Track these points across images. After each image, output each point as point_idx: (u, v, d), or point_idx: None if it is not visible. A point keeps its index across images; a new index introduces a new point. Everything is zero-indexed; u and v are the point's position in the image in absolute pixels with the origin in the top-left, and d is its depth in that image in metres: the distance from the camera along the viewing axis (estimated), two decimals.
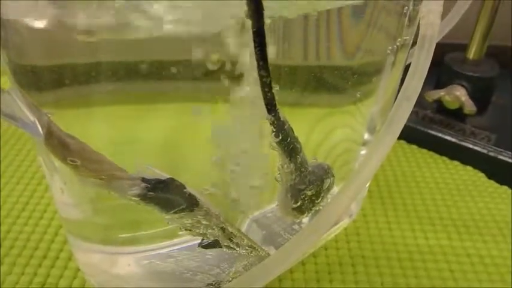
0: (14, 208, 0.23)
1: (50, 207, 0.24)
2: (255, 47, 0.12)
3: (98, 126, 0.15)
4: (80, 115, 0.15)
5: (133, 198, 0.15)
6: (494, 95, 0.30)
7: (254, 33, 0.11)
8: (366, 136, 0.23)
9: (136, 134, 0.16)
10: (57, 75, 0.14)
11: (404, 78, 0.16)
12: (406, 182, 0.26)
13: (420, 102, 0.30)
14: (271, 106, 0.13)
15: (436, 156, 0.29)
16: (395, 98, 0.16)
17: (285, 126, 0.14)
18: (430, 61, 0.17)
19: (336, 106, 0.21)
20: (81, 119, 0.15)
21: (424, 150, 0.29)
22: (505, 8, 0.31)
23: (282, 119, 0.14)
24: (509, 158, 0.26)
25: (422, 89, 0.16)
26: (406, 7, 0.19)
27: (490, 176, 0.27)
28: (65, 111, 0.15)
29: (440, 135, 0.28)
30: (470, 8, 0.29)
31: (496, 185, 0.27)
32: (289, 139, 0.15)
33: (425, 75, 0.17)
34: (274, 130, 0.14)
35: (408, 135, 0.29)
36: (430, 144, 0.29)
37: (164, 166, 0.16)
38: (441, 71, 0.30)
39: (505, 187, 0.27)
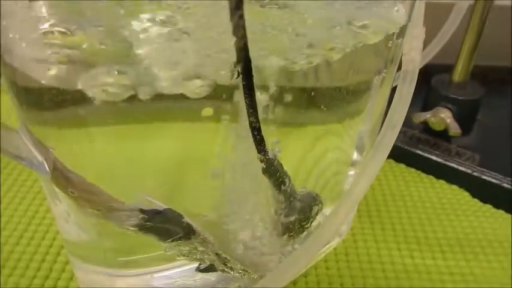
0: (17, 228, 0.24)
1: (52, 227, 0.25)
2: (245, 98, 0.13)
3: (98, 146, 0.16)
4: (81, 134, 0.16)
5: (131, 228, 0.16)
6: (479, 115, 0.31)
7: (244, 86, 0.12)
8: (355, 156, 0.24)
9: (137, 153, 0.17)
10: (58, 95, 0.14)
11: (393, 97, 0.17)
12: (394, 201, 0.28)
13: (408, 123, 0.31)
14: (260, 147, 0.15)
15: (423, 175, 0.30)
16: (384, 118, 0.17)
17: (274, 163, 0.16)
18: (412, 93, 0.18)
19: (324, 126, 0.22)
20: (82, 139, 0.16)
21: (412, 169, 0.30)
22: (490, 30, 0.33)
23: (271, 157, 0.15)
24: (492, 178, 0.28)
25: (410, 110, 0.17)
26: (391, 41, 0.20)
27: (474, 194, 0.28)
28: (67, 131, 0.16)
29: (426, 155, 0.30)
30: (456, 30, 0.30)
31: (480, 203, 0.28)
32: (278, 174, 0.16)
33: (408, 106, 0.18)
34: (264, 167, 0.15)
35: (396, 154, 0.31)
36: (418, 164, 0.30)
37: (163, 188, 0.17)
38: (428, 93, 0.31)
39: (488, 205, 0.28)
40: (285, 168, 0.17)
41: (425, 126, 0.30)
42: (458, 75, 0.31)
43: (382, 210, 0.27)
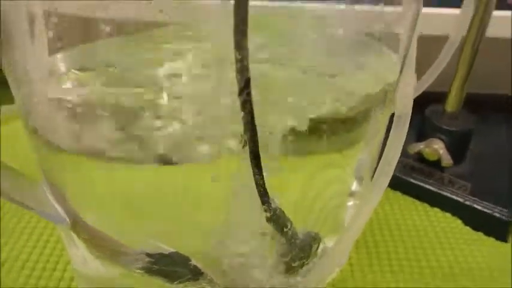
0: (29, 259, 0.26)
1: (62, 258, 0.26)
2: (251, 160, 0.14)
3: (108, 180, 0.17)
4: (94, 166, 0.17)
5: (138, 271, 0.18)
6: (472, 144, 0.33)
7: (250, 152, 0.14)
8: (354, 186, 0.25)
9: (141, 196, 0.18)
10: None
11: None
12: (390, 230, 0.29)
13: (404, 153, 0.33)
14: (264, 198, 0.16)
15: (418, 203, 0.31)
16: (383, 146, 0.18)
17: (277, 212, 0.17)
18: (405, 135, 0.20)
19: (324, 155, 0.23)
20: (96, 170, 0.17)
21: (407, 197, 0.32)
22: (482, 60, 0.34)
23: (274, 206, 0.16)
24: (483, 207, 0.29)
25: (406, 140, 0.19)
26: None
27: (466, 222, 0.30)
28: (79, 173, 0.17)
29: (421, 184, 0.31)
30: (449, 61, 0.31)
31: (472, 231, 0.29)
32: (280, 220, 0.17)
33: (401, 147, 0.19)
34: (268, 215, 0.17)
35: (392, 182, 0.31)
36: (413, 192, 0.31)
37: (169, 229, 0.18)
38: (422, 123, 0.32)
39: (479, 233, 0.29)
40: (284, 200, 0.18)
41: (420, 156, 0.32)
42: (450, 105, 0.32)
43: (378, 240, 0.28)
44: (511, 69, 0.39)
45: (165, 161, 0.14)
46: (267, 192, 0.16)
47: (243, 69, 0.12)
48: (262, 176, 0.15)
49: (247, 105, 0.13)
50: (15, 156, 0.31)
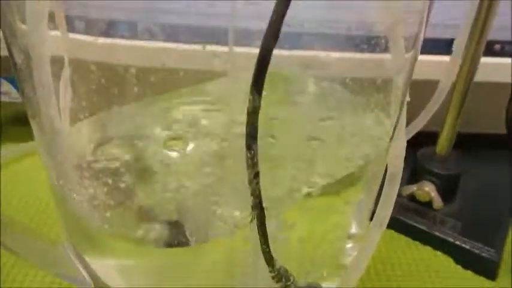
0: None
1: None
2: (258, 233, 0.16)
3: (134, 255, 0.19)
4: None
5: None
6: (462, 181, 0.34)
7: (258, 226, 0.15)
8: (353, 229, 0.27)
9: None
10: None
11: None
12: (384, 270, 0.30)
13: (397, 193, 0.34)
14: (270, 261, 0.17)
15: (411, 241, 0.33)
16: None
17: (281, 270, 0.18)
18: (396, 192, 0.21)
19: (324, 198, 0.24)
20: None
21: (401, 236, 0.33)
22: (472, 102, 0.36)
23: (277, 266, 0.18)
24: (472, 247, 0.31)
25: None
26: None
27: (457, 261, 0.31)
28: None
29: (413, 223, 0.33)
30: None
31: (462, 270, 0.31)
32: (283, 278, 0.19)
33: (393, 203, 0.21)
34: (272, 275, 0.18)
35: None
36: (406, 231, 0.33)
37: None
38: (415, 164, 0.34)
39: (469, 271, 0.31)
40: (284, 244, 0.20)
41: (413, 196, 0.33)
42: (441, 148, 0.34)
43: (373, 279, 0.30)
44: (499, 110, 0.41)
45: (180, 243, 0.16)
46: (272, 257, 0.17)
47: (253, 164, 0.14)
48: (268, 244, 0.16)
49: (255, 191, 0.14)
50: (33, 195, 0.33)
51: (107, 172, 0.16)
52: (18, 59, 0.16)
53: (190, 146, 0.19)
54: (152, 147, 0.18)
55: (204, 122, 0.20)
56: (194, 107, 0.21)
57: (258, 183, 0.14)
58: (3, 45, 0.16)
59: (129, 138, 0.18)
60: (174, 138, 0.19)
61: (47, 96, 0.15)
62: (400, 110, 0.22)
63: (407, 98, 0.22)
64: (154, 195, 0.17)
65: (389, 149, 0.22)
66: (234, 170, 0.17)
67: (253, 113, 0.12)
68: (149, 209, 0.16)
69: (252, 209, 0.15)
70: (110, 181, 0.17)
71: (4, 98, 0.36)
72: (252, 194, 0.14)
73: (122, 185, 0.17)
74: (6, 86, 0.35)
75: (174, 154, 0.18)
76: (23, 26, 0.15)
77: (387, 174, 0.22)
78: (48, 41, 0.15)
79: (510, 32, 0.38)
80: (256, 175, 0.14)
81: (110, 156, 0.17)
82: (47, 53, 0.15)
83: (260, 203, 0.15)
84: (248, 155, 0.13)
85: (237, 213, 0.16)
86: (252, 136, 0.13)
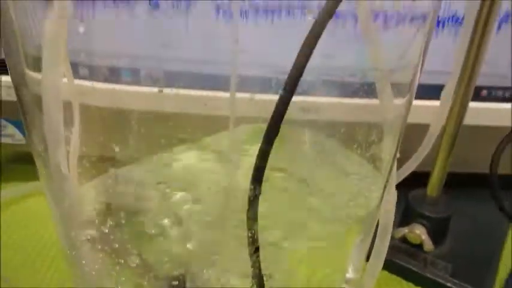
0: None
1: None
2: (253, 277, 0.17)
3: None
4: None
5: None
6: (453, 221, 0.36)
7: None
8: (349, 274, 0.28)
9: None
10: None
11: None
12: None
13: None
14: None
15: (404, 282, 0.34)
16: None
17: None
18: (387, 246, 0.23)
19: (321, 241, 0.25)
20: None
21: (394, 276, 0.34)
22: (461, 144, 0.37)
23: None
24: None
25: None
26: None
27: None
28: None
29: (405, 264, 0.34)
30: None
31: None
32: None
33: (384, 256, 0.22)
34: None
35: None
36: (398, 272, 0.34)
37: None
38: (406, 207, 0.35)
39: None
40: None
41: (405, 238, 0.34)
42: (431, 190, 0.35)
43: None
44: (488, 151, 0.43)
45: None
46: None
47: (253, 241, 0.15)
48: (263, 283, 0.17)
49: (256, 263, 0.15)
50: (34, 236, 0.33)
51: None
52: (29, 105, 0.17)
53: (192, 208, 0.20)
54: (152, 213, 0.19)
55: (204, 180, 0.22)
56: (195, 163, 0.22)
57: (258, 256, 0.15)
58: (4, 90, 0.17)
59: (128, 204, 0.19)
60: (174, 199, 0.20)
61: (56, 141, 0.16)
62: (391, 167, 0.23)
63: (397, 155, 0.23)
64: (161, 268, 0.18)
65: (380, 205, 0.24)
66: (235, 235, 0.18)
67: (253, 201, 0.13)
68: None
69: (252, 278, 0.16)
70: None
71: (6, 140, 0.37)
72: (252, 266, 0.15)
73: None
74: (11, 129, 0.36)
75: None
76: (34, 74, 0.16)
77: (378, 229, 0.23)
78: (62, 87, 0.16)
79: (497, 78, 0.40)
80: (257, 249, 0.15)
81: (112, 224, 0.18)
82: (59, 98, 0.15)
83: (260, 272, 0.16)
84: (249, 234, 0.14)
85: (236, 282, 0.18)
86: (252, 219, 0.14)
